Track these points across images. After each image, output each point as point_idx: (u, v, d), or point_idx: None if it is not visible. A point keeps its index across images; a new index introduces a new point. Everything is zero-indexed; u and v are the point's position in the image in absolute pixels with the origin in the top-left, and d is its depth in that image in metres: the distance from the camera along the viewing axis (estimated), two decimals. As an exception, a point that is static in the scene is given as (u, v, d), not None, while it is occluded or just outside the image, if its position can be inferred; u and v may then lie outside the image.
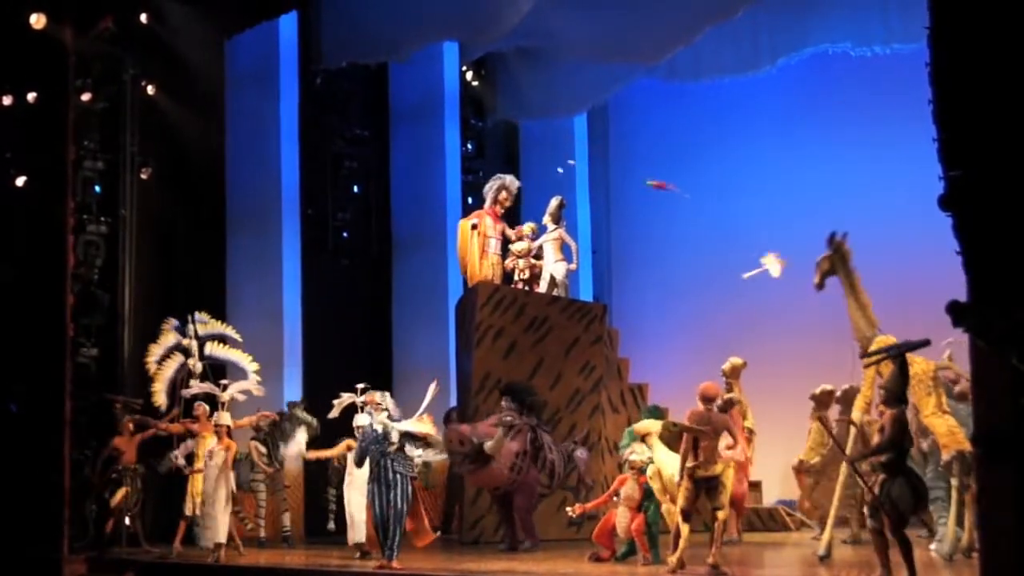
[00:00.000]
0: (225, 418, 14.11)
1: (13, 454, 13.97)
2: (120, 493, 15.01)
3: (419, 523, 12.73)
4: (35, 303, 14.37)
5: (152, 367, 15.65)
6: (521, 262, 16.86)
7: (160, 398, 15.45)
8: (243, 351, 15.75)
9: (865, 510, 10.04)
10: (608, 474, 15.58)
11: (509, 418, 14.55)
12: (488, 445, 14.23)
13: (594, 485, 15.03)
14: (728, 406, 14.66)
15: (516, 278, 16.85)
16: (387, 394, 13.41)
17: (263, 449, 15.80)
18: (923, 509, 10.56)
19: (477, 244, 16.90)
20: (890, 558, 9.71)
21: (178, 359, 15.51)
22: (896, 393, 9.84)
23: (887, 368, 10.85)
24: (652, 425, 12.20)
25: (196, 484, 14.28)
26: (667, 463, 11.86)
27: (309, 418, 16.00)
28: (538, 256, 16.93)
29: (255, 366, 15.43)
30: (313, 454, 15.02)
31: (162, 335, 15.78)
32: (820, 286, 12.45)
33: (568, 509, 13.11)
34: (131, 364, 16.81)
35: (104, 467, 15.26)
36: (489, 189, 17.26)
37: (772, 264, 13.92)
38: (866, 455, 9.91)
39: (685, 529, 11.38)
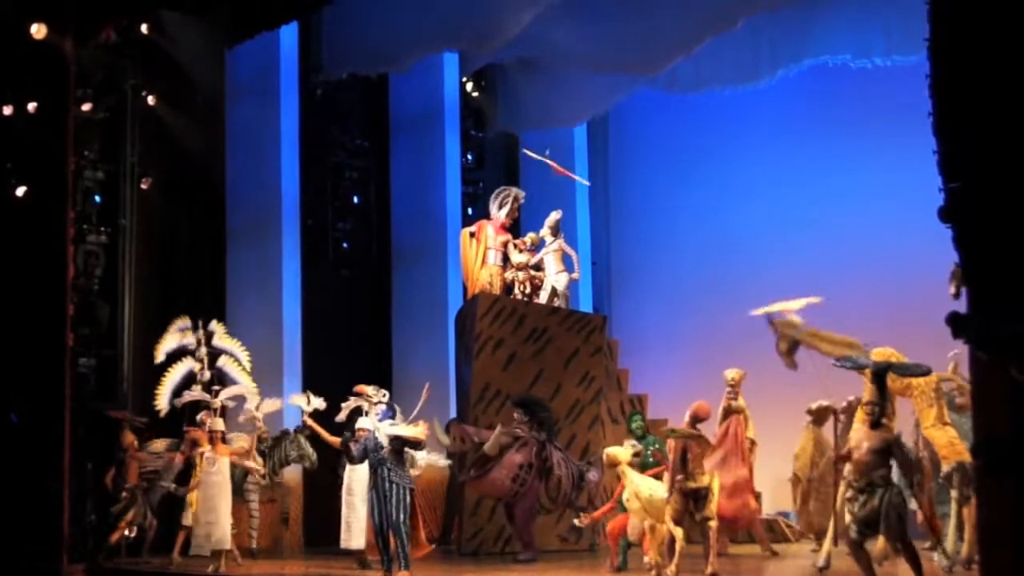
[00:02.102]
0: (219, 424, 14.11)
1: (13, 464, 13.94)
2: (129, 514, 14.99)
3: (415, 534, 12.72)
4: (35, 313, 14.34)
5: (160, 357, 15.22)
6: (521, 275, 16.86)
7: (163, 402, 15.12)
8: (250, 375, 15.54)
9: (852, 523, 10.09)
10: (606, 486, 15.55)
11: (518, 430, 14.64)
12: (487, 445, 14.36)
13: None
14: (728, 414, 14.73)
15: (516, 291, 16.85)
16: (384, 392, 13.49)
17: (260, 459, 15.80)
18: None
19: (475, 253, 16.94)
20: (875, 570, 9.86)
21: (187, 364, 15.27)
22: (886, 412, 9.98)
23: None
24: (621, 454, 12.30)
25: (196, 493, 14.26)
26: (642, 485, 11.97)
27: (311, 451, 15.93)
28: (538, 268, 16.94)
29: (257, 399, 15.25)
30: (312, 424, 14.77)
31: (170, 333, 15.40)
32: (794, 366, 12.45)
33: (575, 520, 13.20)
34: (131, 374, 16.80)
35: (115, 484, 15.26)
36: (500, 200, 17.22)
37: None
38: (914, 480, 10.03)
39: (679, 532, 11.47)
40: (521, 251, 16.97)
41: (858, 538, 9.99)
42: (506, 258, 16.99)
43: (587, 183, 19.97)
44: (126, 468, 14.99)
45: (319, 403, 14.81)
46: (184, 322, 15.37)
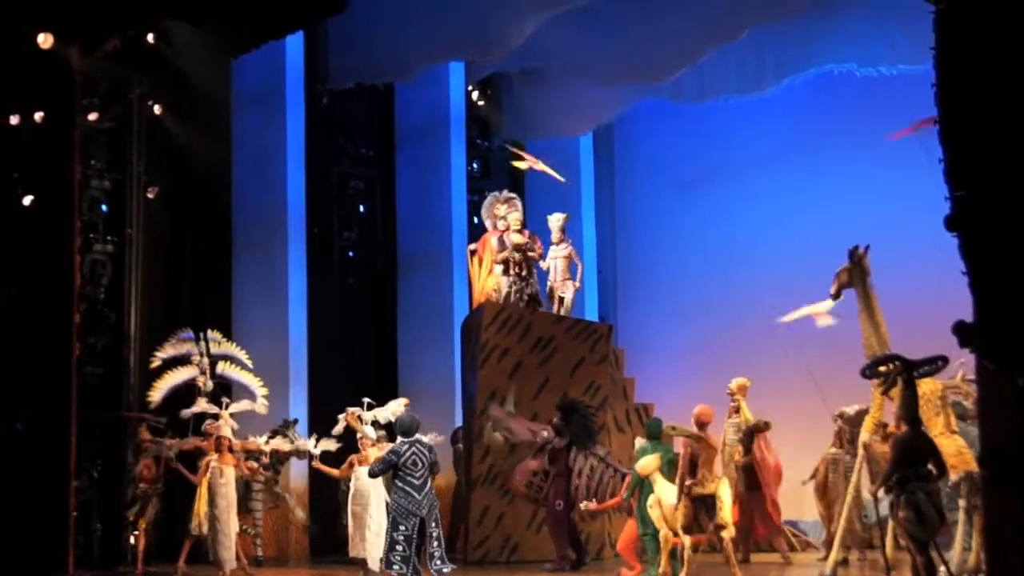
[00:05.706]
0: (226, 430, 14.10)
1: (19, 472, 13.96)
2: (148, 514, 15.01)
3: None
4: (41, 322, 14.36)
5: (156, 362, 15.33)
6: (516, 255, 16.85)
7: (156, 396, 15.13)
8: (253, 373, 15.63)
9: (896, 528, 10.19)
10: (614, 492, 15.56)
11: (545, 433, 14.88)
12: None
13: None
14: (757, 430, 14.75)
15: (511, 271, 16.81)
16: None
17: (255, 465, 15.83)
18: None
19: (479, 267, 17.07)
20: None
21: (190, 371, 15.26)
22: (908, 416, 9.86)
23: (896, 390, 10.86)
24: (653, 463, 12.24)
25: (202, 502, 14.25)
26: (667, 494, 11.94)
27: (303, 445, 15.94)
28: (530, 250, 16.97)
29: (264, 390, 15.28)
30: (320, 466, 14.74)
31: (172, 341, 15.53)
32: (836, 296, 12.60)
33: (582, 504, 13.56)
34: (138, 382, 16.82)
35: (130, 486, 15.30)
36: (485, 214, 17.52)
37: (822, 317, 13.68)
38: (883, 481, 9.94)
39: (687, 541, 11.45)
40: (518, 231, 16.99)
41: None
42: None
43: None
44: (139, 470, 15.04)
45: (329, 445, 14.86)
46: (186, 332, 15.41)
